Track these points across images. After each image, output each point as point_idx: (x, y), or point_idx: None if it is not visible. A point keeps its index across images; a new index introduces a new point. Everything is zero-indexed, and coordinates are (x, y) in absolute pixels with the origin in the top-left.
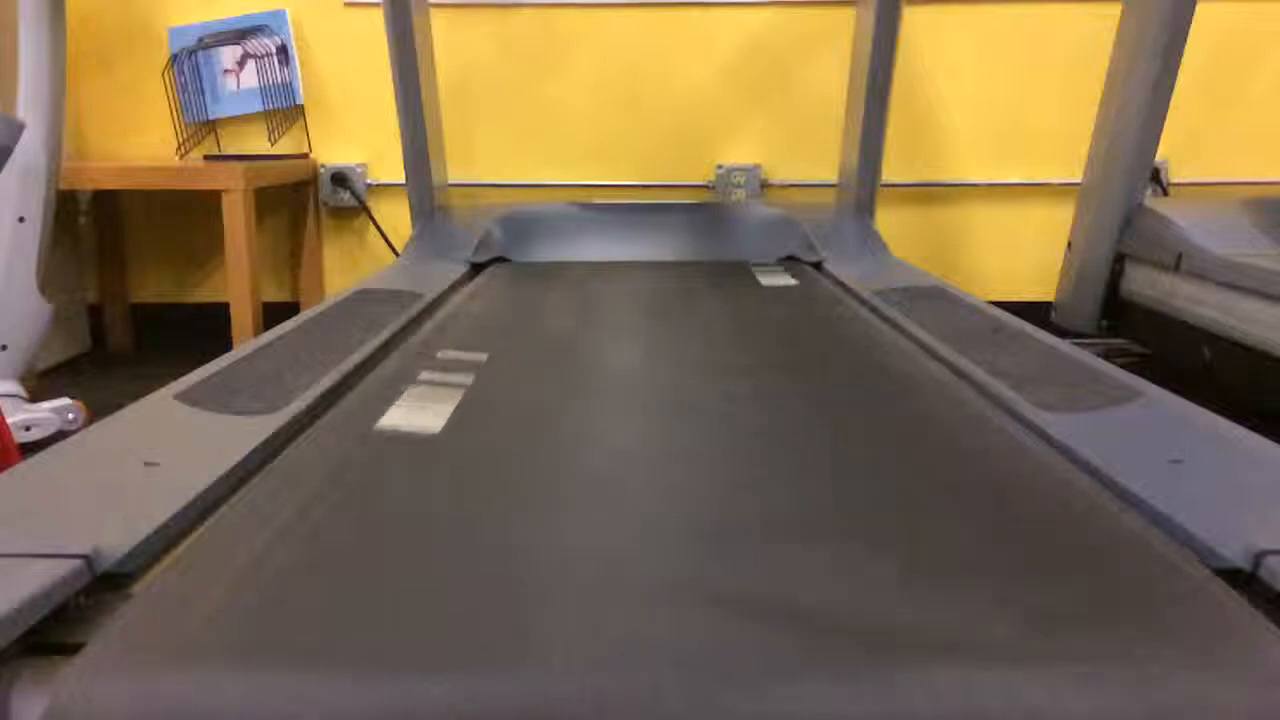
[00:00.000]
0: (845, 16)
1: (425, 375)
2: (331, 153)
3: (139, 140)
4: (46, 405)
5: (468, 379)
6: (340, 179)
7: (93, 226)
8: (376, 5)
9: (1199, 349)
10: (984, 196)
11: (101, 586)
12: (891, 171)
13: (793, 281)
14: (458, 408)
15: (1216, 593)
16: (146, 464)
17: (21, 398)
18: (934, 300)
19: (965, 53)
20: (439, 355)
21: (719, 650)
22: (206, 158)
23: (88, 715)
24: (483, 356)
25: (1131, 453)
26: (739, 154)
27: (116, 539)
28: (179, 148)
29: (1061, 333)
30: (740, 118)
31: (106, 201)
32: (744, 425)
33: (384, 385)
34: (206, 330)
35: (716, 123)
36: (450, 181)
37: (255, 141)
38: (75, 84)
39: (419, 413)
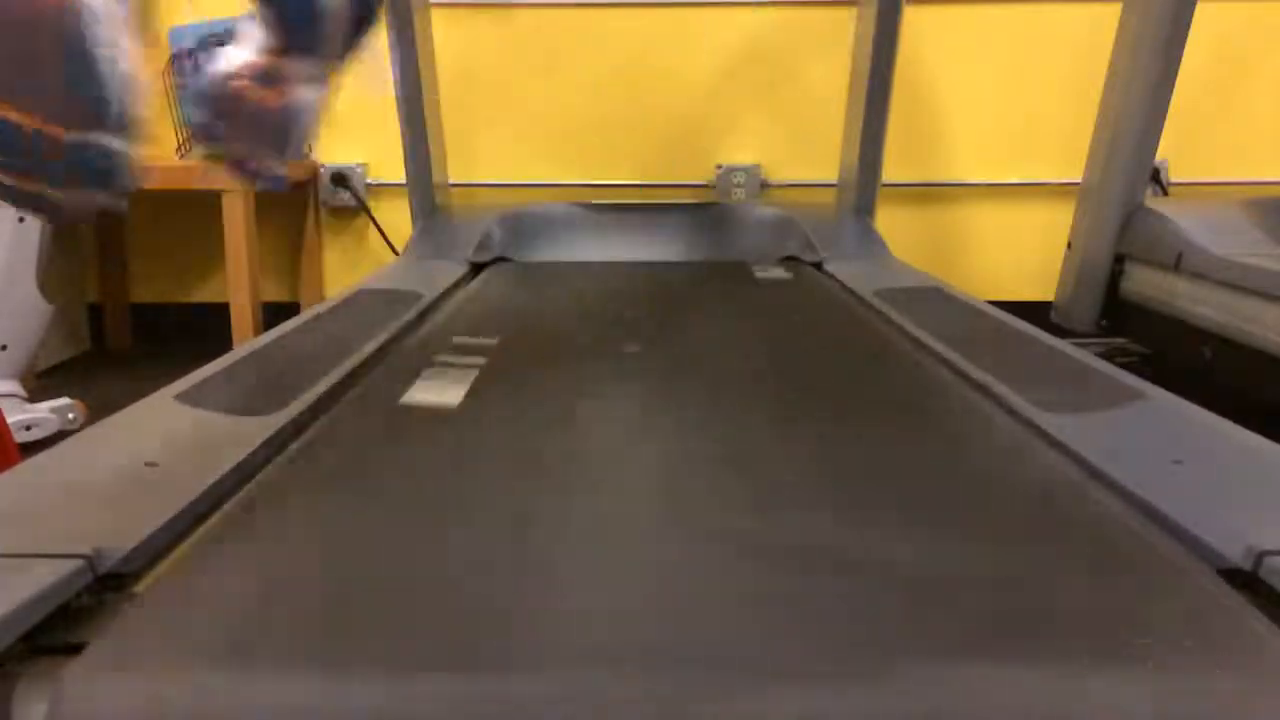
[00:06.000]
0: (845, 16)
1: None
2: (331, 153)
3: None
4: (46, 405)
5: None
6: (340, 179)
7: (93, 226)
8: None
9: (1199, 349)
10: (984, 196)
11: (103, 587)
12: (891, 171)
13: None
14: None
15: (1216, 593)
16: (147, 464)
17: (21, 398)
18: (934, 300)
19: (965, 53)
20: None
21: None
22: None
23: (89, 715)
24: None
25: (1132, 453)
26: (739, 154)
27: (118, 539)
28: (179, 148)
29: (1061, 333)
30: (740, 118)
31: None
32: (747, 427)
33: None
34: (206, 330)
35: (716, 123)
36: (450, 181)
37: None
38: None
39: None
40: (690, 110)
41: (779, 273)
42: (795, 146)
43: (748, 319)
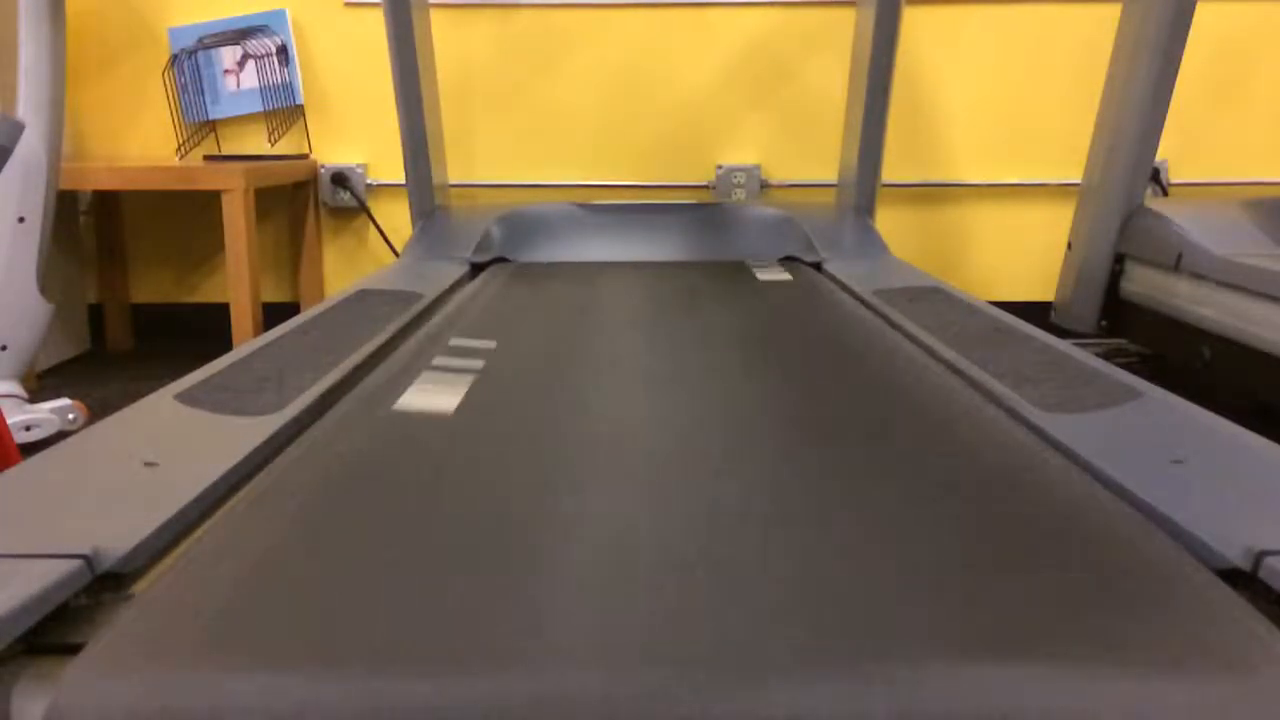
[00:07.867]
0: (845, 16)
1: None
2: (331, 153)
3: (139, 140)
4: (46, 405)
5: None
6: (340, 179)
7: (93, 226)
8: (376, 5)
9: (1199, 349)
10: (984, 196)
11: (101, 587)
12: (891, 171)
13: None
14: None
15: (1216, 593)
16: (146, 464)
17: (21, 398)
18: (934, 300)
19: (965, 53)
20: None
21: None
22: (206, 158)
23: (88, 715)
24: (492, 344)
25: (1131, 453)
26: (739, 154)
27: (116, 539)
28: (179, 148)
29: (1061, 333)
30: (740, 118)
31: (106, 201)
32: (745, 431)
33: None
34: (206, 330)
35: (716, 123)
36: (450, 181)
37: (255, 141)
38: (75, 84)
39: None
40: (690, 110)
41: (779, 274)
42: (795, 146)
43: (747, 317)
